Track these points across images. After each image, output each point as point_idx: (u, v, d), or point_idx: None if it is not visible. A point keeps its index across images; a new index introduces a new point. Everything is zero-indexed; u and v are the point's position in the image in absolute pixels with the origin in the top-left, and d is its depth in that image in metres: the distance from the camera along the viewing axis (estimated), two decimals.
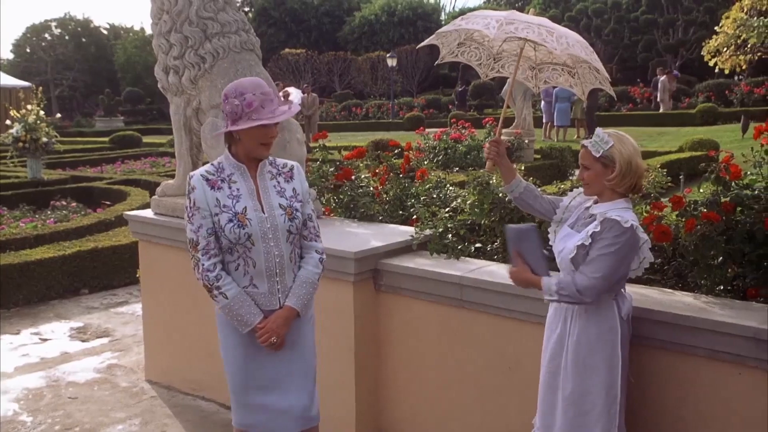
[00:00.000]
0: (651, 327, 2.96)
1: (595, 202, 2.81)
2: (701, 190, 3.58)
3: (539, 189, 4.14)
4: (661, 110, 24.12)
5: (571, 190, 3.08)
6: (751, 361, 2.76)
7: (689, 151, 13.85)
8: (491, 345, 3.54)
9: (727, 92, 25.86)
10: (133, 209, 8.31)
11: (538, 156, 13.89)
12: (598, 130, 2.78)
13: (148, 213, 4.99)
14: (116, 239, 7.85)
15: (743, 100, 24.88)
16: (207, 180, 2.81)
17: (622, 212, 2.67)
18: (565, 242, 2.79)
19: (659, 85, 24.91)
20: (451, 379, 3.72)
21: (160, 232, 4.82)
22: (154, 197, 5.01)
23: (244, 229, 2.77)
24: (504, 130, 13.87)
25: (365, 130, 26.28)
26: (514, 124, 14.65)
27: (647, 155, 13.82)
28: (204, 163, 4.98)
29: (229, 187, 2.82)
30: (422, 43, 3.48)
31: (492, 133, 13.34)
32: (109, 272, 7.59)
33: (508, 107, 16.36)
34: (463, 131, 12.60)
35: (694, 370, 2.91)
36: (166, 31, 4.55)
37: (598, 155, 2.71)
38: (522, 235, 2.85)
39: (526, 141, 13.63)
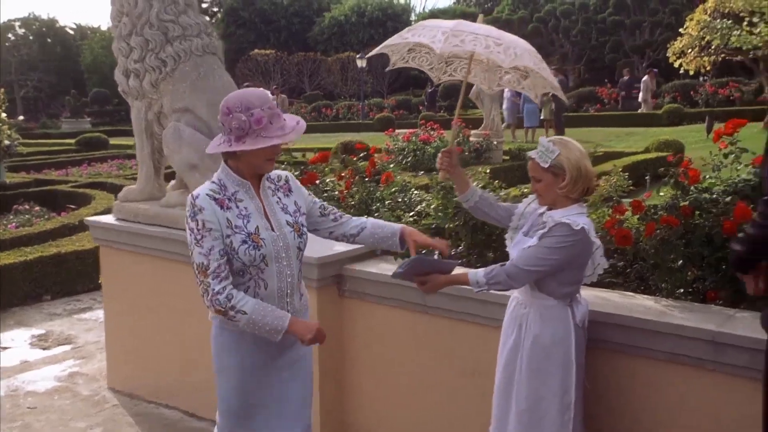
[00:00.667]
0: (611, 331, 2.98)
1: (549, 209, 2.82)
2: (661, 194, 3.61)
3: (505, 191, 4.18)
4: (643, 110, 24.40)
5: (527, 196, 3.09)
6: (709, 364, 2.79)
7: (655, 152, 14.02)
8: (455, 350, 3.53)
9: (692, 93, 26.26)
10: (97, 213, 8.21)
11: (507, 157, 13.96)
12: (543, 140, 2.79)
13: (109, 218, 4.91)
14: (80, 244, 7.73)
15: (708, 100, 25.29)
16: (215, 199, 2.62)
17: (575, 217, 2.69)
18: (518, 248, 2.79)
19: (642, 85, 25.23)
20: (417, 385, 3.71)
21: (122, 238, 4.75)
22: (115, 202, 4.94)
23: (259, 250, 2.63)
24: (473, 132, 13.95)
25: (335, 131, 26.20)
26: (482, 125, 14.72)
27: (614, 156, 13.95)
28: (167, 168, 4.95)
29: (237, 206, 2.65)
30: (370, 53, 3.43)
31: (460, 134, 13.40)
32: (72, 278, 7.47)
33: (478, 108, 16.22)
34: (431, 133, 12.63)
35: (654, 374, 2.93)
36: (125, 34, 4.48)
37: (546, 166, 2.72)
38: (410, 269, 2.81)
39: (495, 142, 13.70)
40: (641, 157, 13.31)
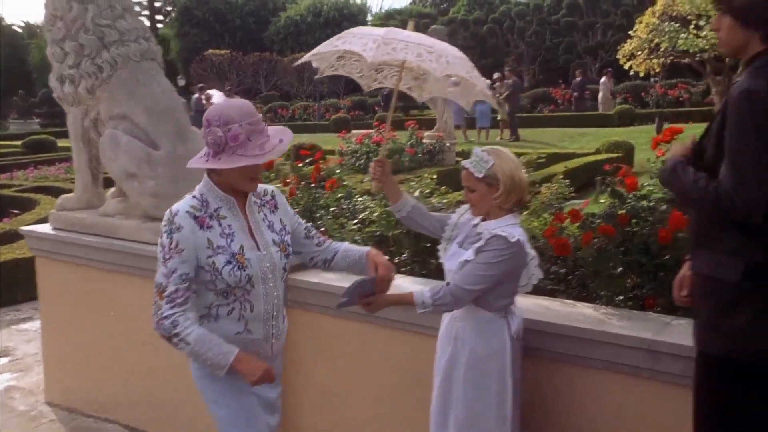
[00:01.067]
0: (551, 340, 2.97)
1: (483, 220, 2.80)
2: (602, 201, 3.63)
3: (448, 199, 4.16)
4: (603, 111, 24.68)
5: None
6: (646, 373, 2.80)
7: (606, 153, 14.18)
8: (398, 360, 3.50)
9: (643, 94, 26.75)
10: (41, 219, 7.98)
11: (460, 159, 13.99)
12: (477, 150, 2.77)
13: (46, 228, 4.78)
14: (20, 252, 7.50)
15: (658, 101, 25.80)
16: (195, 218, 2.47)
17: (510, 228, 2.68)
18: (453, 260, 2.77)
19: (601, 86, 25.53)
20: (360, 394, 3.67)
21: (59, 248, 4.62)
22: (52, 211, 4.82)
23: (244, 270, 2.49)
24: (426, 133, 13.97)
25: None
26: (435, 127, 14.74)
27: (567, 157, 14.10)
28: (105, 175, 4.82)
29: (220, 224, 2.50)
30: (299, 61, 3.36)
31: (414, 137, 13.41)
32: (12, 287, 7.23)
33: (431, 109, 16.19)
34: (385, 135, 12.60)
35: (592, 383, 2.93)
36: (59, 39, 4.35)
37: (480, 176, 2.70)
38: (352, 299, 2.69)
39: (448, 144, 13.74)
40: (592, 159, 13.46)
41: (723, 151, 2.19)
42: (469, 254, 2.69)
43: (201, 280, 2.51)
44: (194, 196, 2.54)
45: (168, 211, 2.51)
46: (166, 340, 2.49)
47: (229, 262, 2.47)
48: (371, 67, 3.29)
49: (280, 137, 2.50)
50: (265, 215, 2.65)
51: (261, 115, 2.51)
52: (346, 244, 2.91)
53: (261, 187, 2.70)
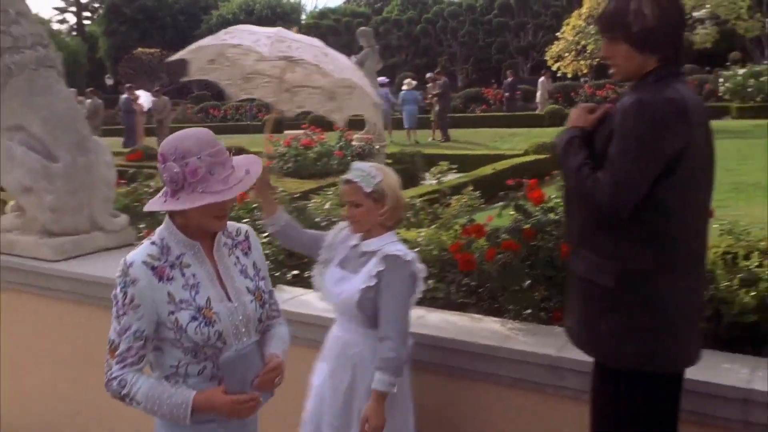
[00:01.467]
0: (457, 357, 2.94)
1: (362, 239, 2.75)
2: (512, 213, 3.61)
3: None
4: (540, 111, 24.88)
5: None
6: (550, 389, 2.79)
7: (533, 155, 14.31)
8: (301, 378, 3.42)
9: (573, 94, 27.21)
10: None
11: (390, 161, 13.95)
12: (363, 165, 2.73)
13: None
14: None
15: (587, 101, 26.19)
16: (153, 269, 2.15)
17: (395, 246, 2.66)
18: (341, 285, 2.70)
19: (539, 86, 25.71)
20: (266, 410, 3.58)
21: None
22: None
23: (213, 326, 2.16)
24: (355, 135, 13.90)
25: (223, 133, 25.34)
26: (365, 129, 14.68)
27: (497, 158, 14.18)
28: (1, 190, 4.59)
29: (182, 275, 2.18)
30: (176, 56, 3.15)
31: (343, 139, 13.33)
32: None
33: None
34: (313, 137, 12.50)
35: (498, 399, 2.91)
36: None
37: (369, 190, 2.65)
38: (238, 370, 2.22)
39: (377, 147, 13.70)
40: (519, 161, 13.59)
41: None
42: (364, 278, 2.62)
43: (164, 337, 2.21)
44: (153, 242, 2.22)
45: (123, 260, 2.19)
46: (120, 401, 2.20)
47: (194, 318, 2.16)
48: (241, 75, 3.20)
49: (246, 168, 2.20)
50: (238, 258, 2.33)
51: (223, 144, 2.19)
52: (283, 331, 2.50)
53: (233, 225, 2.39)
